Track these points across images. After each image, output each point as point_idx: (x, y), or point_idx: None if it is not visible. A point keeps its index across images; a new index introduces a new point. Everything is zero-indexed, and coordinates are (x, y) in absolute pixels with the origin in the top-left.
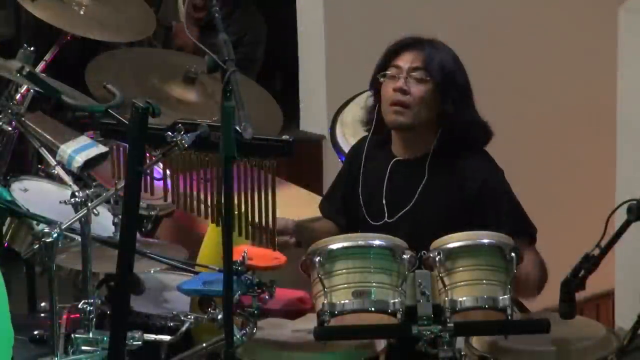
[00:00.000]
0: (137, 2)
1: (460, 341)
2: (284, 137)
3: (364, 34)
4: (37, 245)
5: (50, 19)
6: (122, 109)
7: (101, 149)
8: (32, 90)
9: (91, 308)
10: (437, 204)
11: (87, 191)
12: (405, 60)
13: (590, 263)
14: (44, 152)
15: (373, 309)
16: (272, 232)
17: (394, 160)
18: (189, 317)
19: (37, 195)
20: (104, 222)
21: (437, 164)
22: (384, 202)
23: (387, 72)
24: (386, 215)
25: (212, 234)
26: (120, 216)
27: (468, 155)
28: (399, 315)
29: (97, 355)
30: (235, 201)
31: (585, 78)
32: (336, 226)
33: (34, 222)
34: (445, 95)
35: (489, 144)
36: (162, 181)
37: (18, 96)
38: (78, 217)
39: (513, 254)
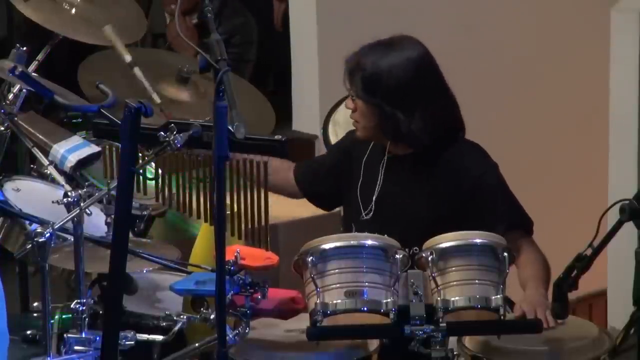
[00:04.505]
0: (128, 2)
1: (452, 341)
2: (277, 136)
3: (356, 33)
4: (29, 245)
5: (41, 19)
6: (114, 109)
7: (94, 148)
8: (24, 90)
9: (84, 308)
10: (406, 201)
11: (79, 191)
12: None
13: (582, 263)
14: (36, 152)
15: (365, 308)
16: (266, 230)
17: (386, 156)
18: (181, 317)
19: (30, 195)
20: (97, 222)
21: (419, 162)
22: (374, 198)
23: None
24: (372, 210)
25: (204, 234)
26: (112, 216)
27: (460, 151)
28: (391, 315)
29: (90, 355)
30: (228, 201)
31: (578, 79)
32: (296, 186)
33: (27, 222)
34: (373, 105)
35: (483, 143)
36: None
37: (11, 96)
38: (70, 217)
39: (505, 254)
